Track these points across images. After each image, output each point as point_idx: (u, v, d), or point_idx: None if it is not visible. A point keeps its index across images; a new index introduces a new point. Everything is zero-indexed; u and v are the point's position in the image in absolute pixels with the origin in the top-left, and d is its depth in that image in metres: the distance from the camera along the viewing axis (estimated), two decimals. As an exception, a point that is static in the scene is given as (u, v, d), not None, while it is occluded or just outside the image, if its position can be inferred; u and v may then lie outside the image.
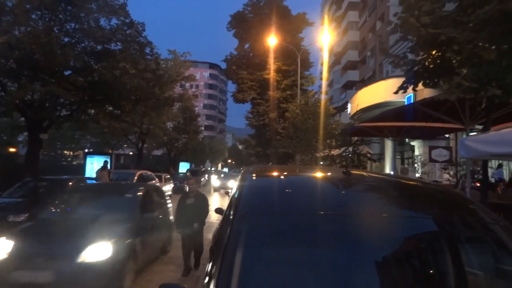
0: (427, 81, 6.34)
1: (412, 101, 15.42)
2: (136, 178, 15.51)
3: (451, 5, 6.14)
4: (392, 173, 18.21)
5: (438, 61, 6.24)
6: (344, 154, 13.73)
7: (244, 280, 1.58)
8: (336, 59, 48.16)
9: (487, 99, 5.64)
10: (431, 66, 6.32)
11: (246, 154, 37.97)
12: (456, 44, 5.60)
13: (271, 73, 30.94)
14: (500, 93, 5.16)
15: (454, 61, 6.03)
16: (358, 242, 1.80)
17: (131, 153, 44.43)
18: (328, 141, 17.48)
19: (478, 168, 12.10)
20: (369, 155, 19.34)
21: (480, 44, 5.57)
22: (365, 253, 1.75)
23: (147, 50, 15.33)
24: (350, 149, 14.06)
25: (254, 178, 2.61)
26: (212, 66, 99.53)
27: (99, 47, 13.78)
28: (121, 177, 16.10)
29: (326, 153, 15.88)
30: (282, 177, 2.71)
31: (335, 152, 16.89)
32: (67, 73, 13.33)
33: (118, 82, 12.79)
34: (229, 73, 36.78)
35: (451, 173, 15.39)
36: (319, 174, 2.82)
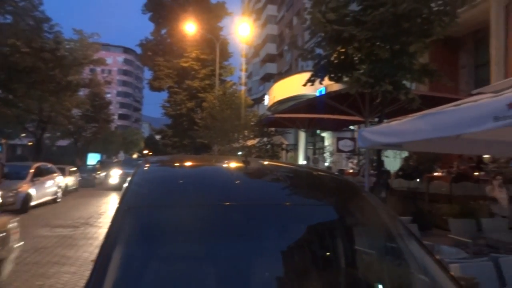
0: (332, 75, 6.72)
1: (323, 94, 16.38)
2: (32, 171, 13.78)
3: (355, 4, 6.56)
4: (305, 162, 19.26)
5: (342, 57, 6.65)
6: (258, 144, 14.04)
7: (120, 283, 1.41)
8: (255, 51, 48.98)
9: (382, 94, 6.18)
10: (336, 61, 6.71)
11: (162, 144, 36.60)
12: (356, 42, 6.02)
13: (189, 61, 30.18)
14: (391, 88, 5.70)
15: (355, 58, 6.49)
16: (252, 233, 1.75)
17: (30, 143, 39.64)
18: (246, 132, 17.75)
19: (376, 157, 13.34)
20: (284, 145, 20.21)
21: (377, 43, 6.07)
22: (262, 243, 1.71)
23: (45, 27, 13.56)
24: (265, 139, 14.50)
25: (146, 169, 2.41)
26: (126, 50, 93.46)
27: (-18, 19, 11.80)
28: (14, 170, 14.16)
29: (241, 144, 16.10)
30: (178, 167, 2.55)
31: (251, 142, 17.23)
32: None
33: (8, 62, 11.08)
34: (144, 59, 34.97)
35: (355, 162, 16.80)
36: (217, 164, 2.73)
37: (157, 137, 46.81)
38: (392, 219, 2.04)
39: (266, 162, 2.84)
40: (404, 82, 6.32)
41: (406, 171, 12.03)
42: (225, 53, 33.48)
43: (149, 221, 1.70)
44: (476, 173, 10.59)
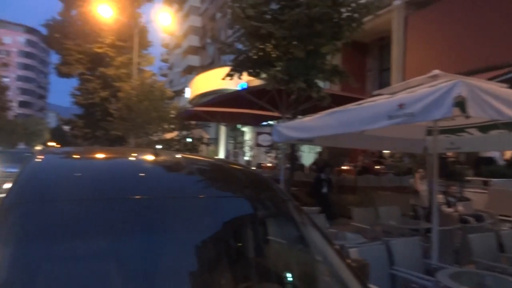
0: (251, 70, 6.84)
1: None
2: None
3: (274, 3, 6.75)
4: (225, 156, 19.37)
5: (260, 53, 6.81)
6: (178, 138, 13.72)
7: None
8: (177, 42, 47.54)
9: (297, 91, 6.49)
10: (255, 57, 6.85)
11: (71, 135, 33.45)
12: (274, 39, 6.21)
13: (104, 47, 28.03)
14: (304, 86, 6.02)
15: (272, 55, 6.69)
16: (155, 228, 1.67)
17: None
18: (166, 125, 17.18)
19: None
20: (204, 139, 20.05)
21: (293, 42, 6.34)
22: (165, 237, 1.66)
23: None
24: (185, 132, 14.22)
25: (38, 161, 2.17)
26: (30, 30, 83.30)
27: None
28: None
29: (160, 137, 15.56)
30: (77, 159, 2.35)
31: (170, 135, 16.75)
32: None
33: None
34: (51, 41, 31.39)
35: (273, 156, 17.41)
36: (123, 156, 2.57)
37: (66, 127, 42.73)
38: (298, 210, 2.14)
39: (177, 155, 2.77)
40: (317, 81, 6.72)
41: (318, 165, 12.86)
42: (144, 42, 31.74)
43: (37, 218, 1.55)
44: (377, 167, 11.81)
